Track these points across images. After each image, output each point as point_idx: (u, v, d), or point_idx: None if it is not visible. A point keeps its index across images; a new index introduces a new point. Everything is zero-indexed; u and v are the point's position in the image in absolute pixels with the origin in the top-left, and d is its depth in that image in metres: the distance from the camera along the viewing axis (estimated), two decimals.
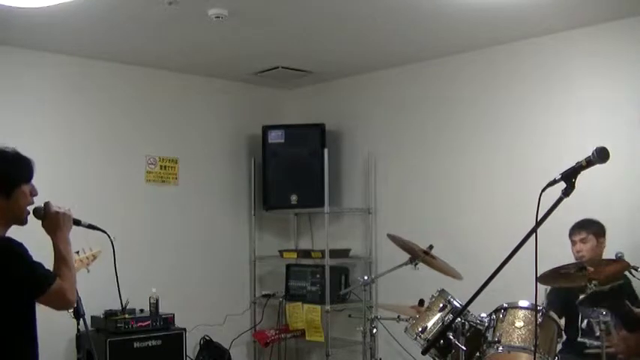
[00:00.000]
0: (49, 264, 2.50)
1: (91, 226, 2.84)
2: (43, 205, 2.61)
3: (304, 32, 4.75)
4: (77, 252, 3.53)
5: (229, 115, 6.13)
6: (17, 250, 2.42)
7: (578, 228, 4.06)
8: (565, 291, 4.00)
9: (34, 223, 2.60)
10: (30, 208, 2.58)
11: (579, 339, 3.95)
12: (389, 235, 4.31)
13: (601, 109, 4.49)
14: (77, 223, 2.73)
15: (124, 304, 4.94)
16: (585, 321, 3.94)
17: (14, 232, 2.53)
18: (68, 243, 2.59)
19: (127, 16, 4.30)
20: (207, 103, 6.00)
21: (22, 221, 2.55)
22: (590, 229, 4.03)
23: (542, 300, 4.12)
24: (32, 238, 2.50)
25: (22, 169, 2.54)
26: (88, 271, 3.60)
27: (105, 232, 2.85)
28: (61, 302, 2.45)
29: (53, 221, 2.58)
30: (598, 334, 3.35)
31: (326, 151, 5.62)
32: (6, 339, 2.43)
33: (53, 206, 2.62)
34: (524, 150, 4.85)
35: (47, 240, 2.58)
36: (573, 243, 4.05)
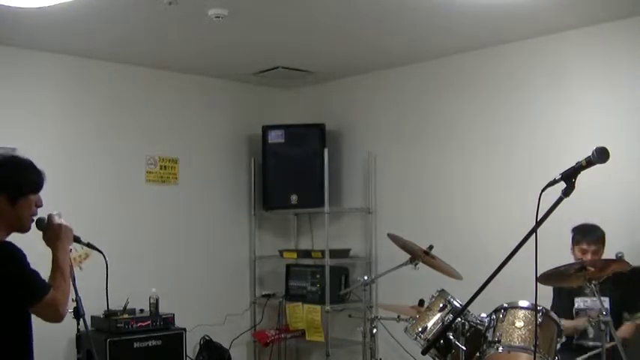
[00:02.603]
0: (45, 276, 2.51)
1: (89, 245, 2.86)
2: (45, 217, 2.64)
3: (304, 32, 4.75)
4: (70, 250, 3.53)
5: (229, 115, 6.13)
6: (16, 255, 2.43)
7: (590, 238, 3.98)
8: (564, 291, 4.01)
9: (34, 235, 2.62)
10: (34, 218, 2.61)
11: (575, 341, 3.95)
12: (389, 235, 4.32)
13: (601, 109, 4.49)
14: (77, 240, 2.76)
15: (124, 305, 4.97)
16: None
17: (15, 241, 2.54)
18: (67, 256, 2.61)
19: (127, 16, 4.30)
20: (207, 103, 6.00)
21: (24, 229, 2.58)
22: (600, 239, 3.97)
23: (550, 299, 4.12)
24: (32, 248, 2.51)
25: (33, 180, 2.58)
26: (81, 269, 3.60)
27: (101, 252, 2.87)
28: (52, 314, 2.45)
29: (54, 233, 2.61)
30: (592, 336, 3.35)
31: (326, 151, 5.62)
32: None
33: (56, 219, 2.65)
34: (524, 150, 4.85)
35: (46, 253, 2.59)
36: (583, 252, 3.96)
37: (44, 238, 2.62)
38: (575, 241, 4.03)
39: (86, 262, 3.05)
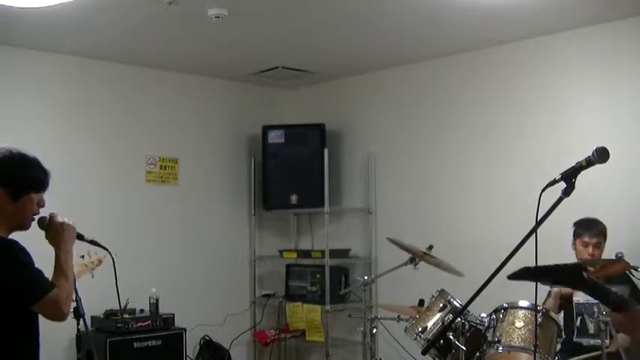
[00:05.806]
0: (48, 274, 2.51)
1: (93, 242, 2.84)
2: (47, 216, 2.62)
3: (304, 32, 4.75)
4: (82, 256, 3.54)
5: (229, 115, 6.13)
6: (19, 253, 2.44)
7: (593, 230, 3.96)
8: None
9: (38, 233, 2.62)
10: (35, 217, 2.60)
11: (575, 339, 3.95)
12: (389, 239, 4.31)
13: (601, 109, 4.49)
14: (80, 237, 2.74)
15: (124, 305, 4.97)
16: (579, 319, 3.94)
17: (18, 238, 2.55)
18: (70, 256, 2.59)
19: (127, 16, 4.30)
20: (207, 103, 6.00)
21: (24, 227, 2.57)
22: (602, 233, 3.96)
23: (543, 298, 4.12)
24: (34, 246, 2.51)
25: (37, 178, 2.55)
26: (92, 276, 3.59)
27: (106, 250, 2.85)
28: (54, 312, 2.44)
29: (57, 233, 2.59)
30: (592, 331, 3.34)
31: (326, 151, 5.62)
32: (4, 340, 2.43)
33: (58, 218, 2.63)
34: (524, 150, 4.85)
35: (48, 250, 2.59)
36: (585, 244, 3.95)
37: (47, 237, 2.61)
38: (577, 234, 4.01)
39: (98, 268, 3.04)
